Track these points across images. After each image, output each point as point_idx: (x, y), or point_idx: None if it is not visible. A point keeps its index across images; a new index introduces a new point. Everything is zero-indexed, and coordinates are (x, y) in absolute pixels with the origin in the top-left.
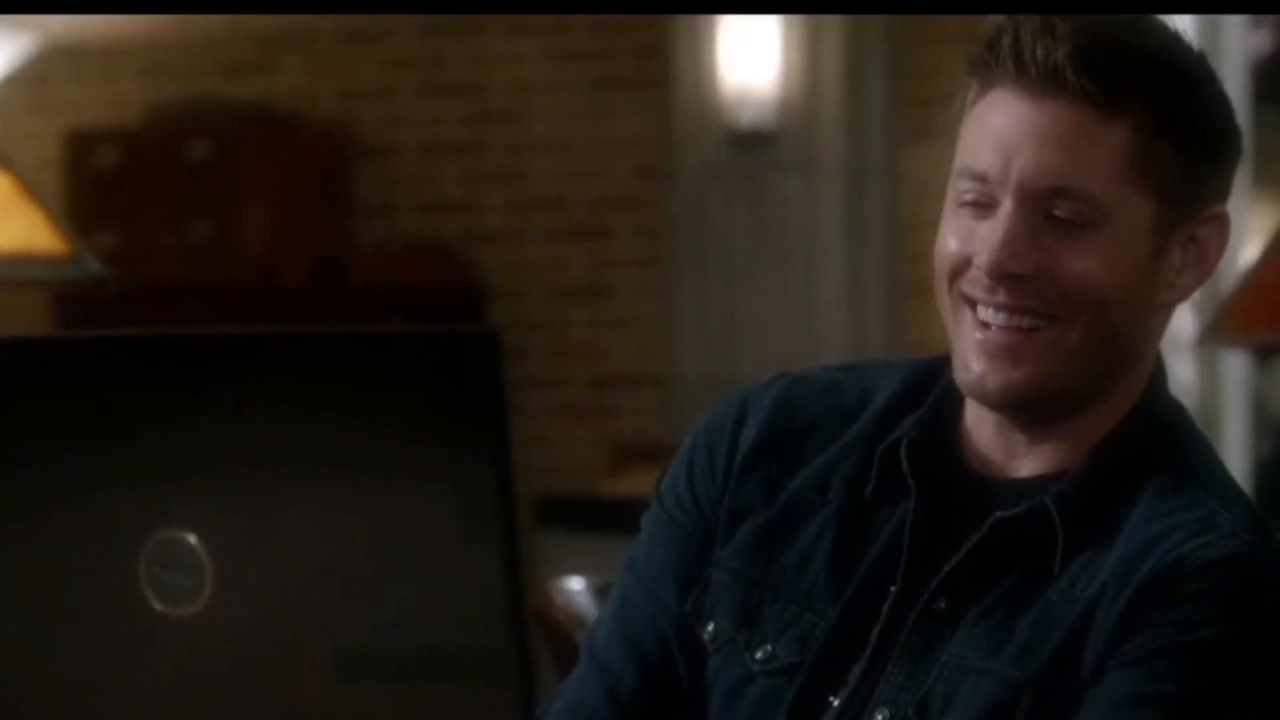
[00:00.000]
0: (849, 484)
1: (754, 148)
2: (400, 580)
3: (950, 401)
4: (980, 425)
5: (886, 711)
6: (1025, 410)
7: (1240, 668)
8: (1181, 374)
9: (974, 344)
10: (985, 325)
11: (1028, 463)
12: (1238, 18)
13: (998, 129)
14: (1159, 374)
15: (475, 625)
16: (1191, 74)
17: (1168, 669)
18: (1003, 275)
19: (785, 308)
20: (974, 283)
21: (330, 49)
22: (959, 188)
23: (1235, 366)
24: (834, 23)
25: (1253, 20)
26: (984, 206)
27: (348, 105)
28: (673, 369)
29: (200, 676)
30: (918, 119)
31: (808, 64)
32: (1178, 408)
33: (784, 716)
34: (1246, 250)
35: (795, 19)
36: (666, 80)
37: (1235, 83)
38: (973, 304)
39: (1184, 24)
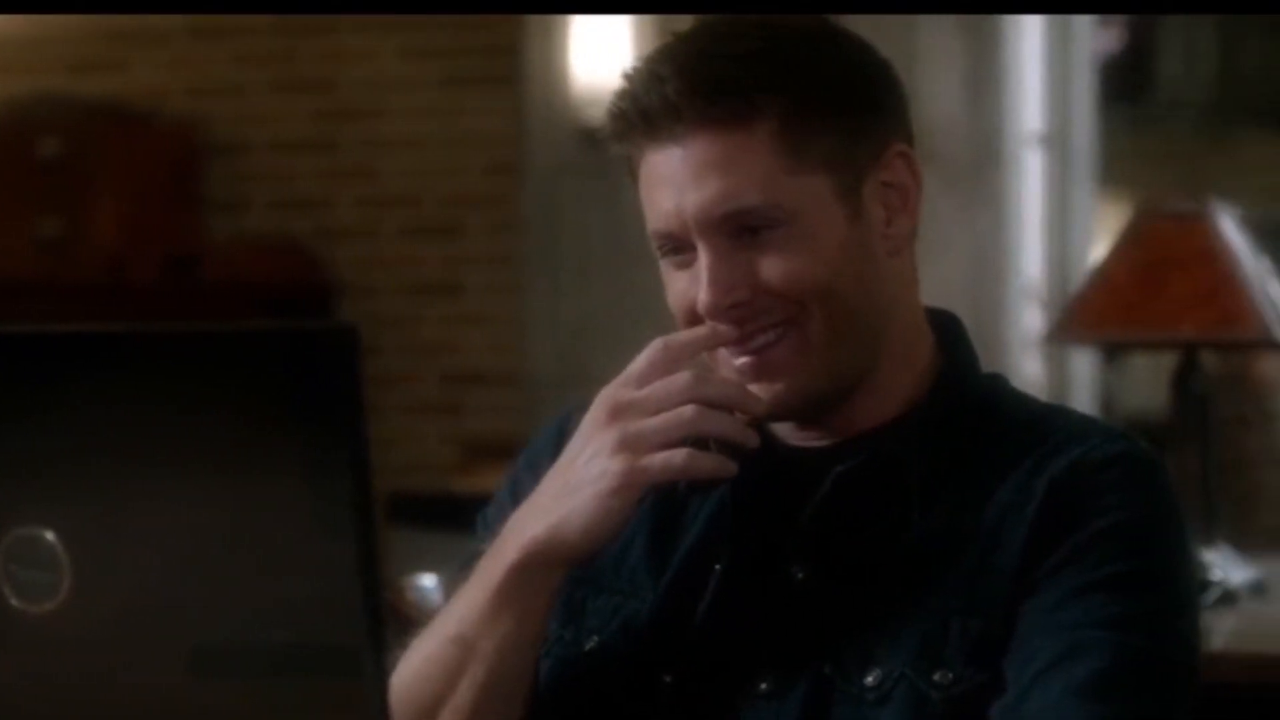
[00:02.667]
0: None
1: (606, 145)
2: (257, 576)
3: None
4: None
5: (771, 679)
6: (809, 410)
7: (1161, 542)
8: (1030, 372)
9: (734, 371)
10: (735, 354)
11: (839, 429)
12: (1086, 16)
13: (660, 185)
14: (949, 324)
15: (332, 621)
16: (807, 46)
17: (1099, 556)
18: (724, 310)
19: (636, 305)
20: (702, 315)
21: (182, 45)
22: (657, 247)
23: (1083, 365)
24: (684, 20)
25: (1101, 19)
26: (684, 253)
27: (199, 102)
28: (525, 366)
29: (57, 673)
30: None
31: None
32: (983, 373)
33: (619, 699)
34: (1096, 249)
35: (647, 16)
36: (519, 78)
37: (1083, 81)
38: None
39: (1033, 24)
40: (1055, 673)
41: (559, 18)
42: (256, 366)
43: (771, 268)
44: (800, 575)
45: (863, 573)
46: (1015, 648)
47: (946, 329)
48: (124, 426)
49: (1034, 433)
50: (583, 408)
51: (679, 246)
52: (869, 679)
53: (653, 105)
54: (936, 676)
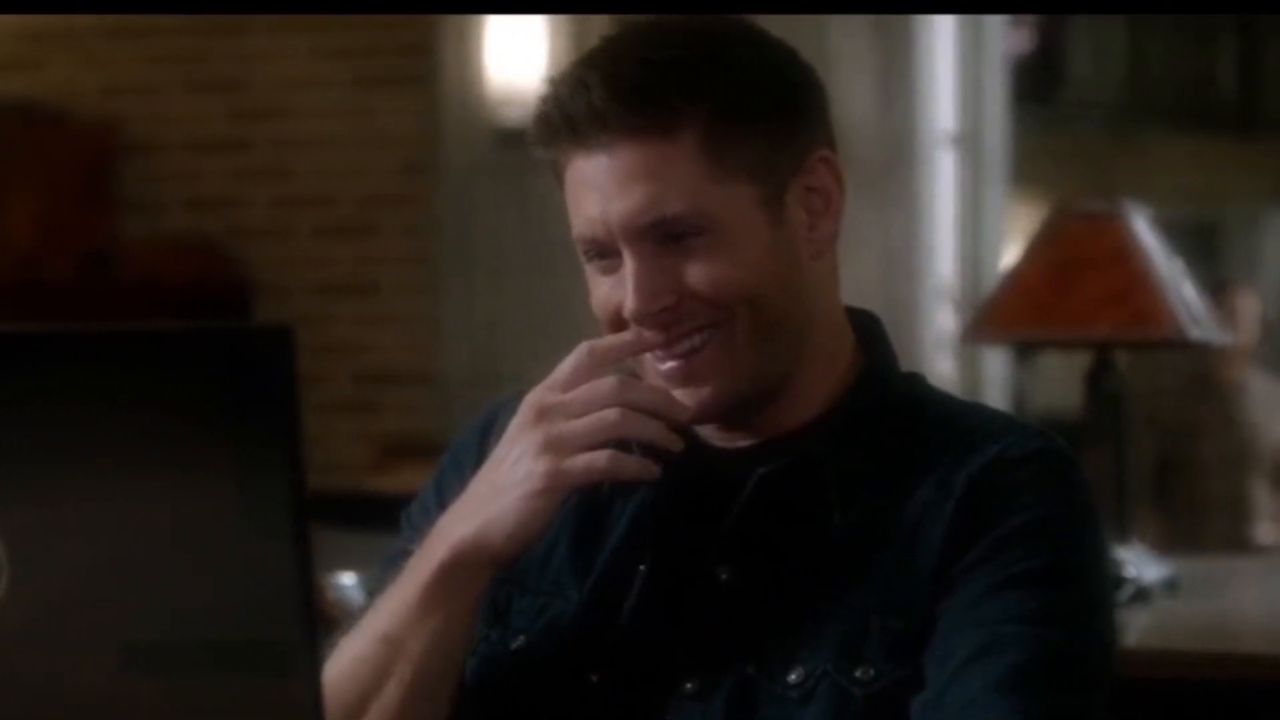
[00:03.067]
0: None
1: (520, 146)
2: (191, 574)
3: None
4: None
5: (696, 680)
6: (733, 413)
7: (1076, 539)
8: (943, 371)
9: (659, 376)
10: (661, 359)
11: (763, 430)
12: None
13: (586, 192)
14: (869, 324)
15: (266, 619)
16: (732, 53)
17: (1016, 553)
18: (650, 316)
19: (551, 305)
20: (628, 319)
21: (95, 45)
22: (582, 253)
23: (995, 364)
24: (600, 21)
25: (1012, 18)
26: (609, 258)
27: (113, 101)
28: (439, 366)
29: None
30: None
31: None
32: (902, 372)
33: (545, 699)
34: (1007, 248)
35: (561, 17)
36: (433, 78)
37: (995, 81)
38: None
39: (945, 24)
40: (974, 667)
41: (473, 18)
42: (192, 366)
43: (697, 273)
44: (724, 576)
45: (786, 573)
46: (935, 644)
47: (867, 329)
48: (60, 425)
49: (953, 431)
50: (505, 406)
51: (604, 252)
52: (792, 677)
53: (578, 112)
54: (858, 673)
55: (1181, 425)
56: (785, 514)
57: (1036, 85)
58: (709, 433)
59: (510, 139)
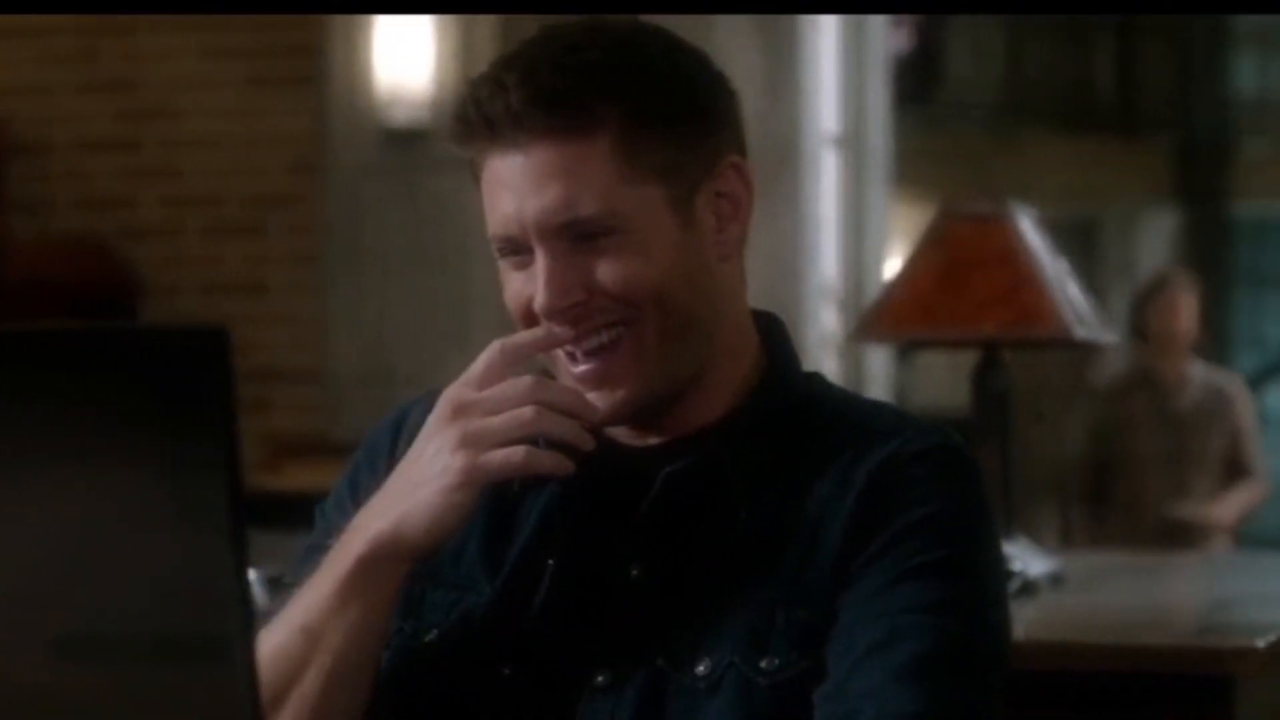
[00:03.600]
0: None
1: (408, 146)
2: (128, 567)
3: None
4: None
5: (607, 673)
6: (643, 414)
7: (973, 533)
8: (827, 370)
9: (572, 378)
10: (574, 357)
11: (671, 429)
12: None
13: (502, 190)
14: (773, 325)
15: (204, 610)
16: (647, 58)
17: (912, 547)
18: (560, 311)
19: (439, 304)
20: (539, 315)
21: None
22: (496, 248)
23: (878, 362)
24: (487, 22)
25: (894, 19)
26: (522, 255)
27: (2, 101)
28: (329, 364)
29: None
30: None
31: (461, 63)
32: (803, 371)
33: (455, 694)
34: (890, 248)
35: (449, 19)
36: (321, 79)
37: (878, 83)
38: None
39: (828, 25)
40: (874, 658)
41: (362, 19)
42: (129, 366)
43: (607, 271)
44: (634, 572)
45: (693, 568)
46: (836, 636)
47: (770, 330)
48: (10, 420)
49: (852, 427)
50: (419, 403)
51: (518, 249)
52: (700, 669)
53: (496, 112)
54: (763, 664)
55: (1120, 421)
56: (692, 511)
57: (916, 86)
58: (617, 431)
59: (398, 139)
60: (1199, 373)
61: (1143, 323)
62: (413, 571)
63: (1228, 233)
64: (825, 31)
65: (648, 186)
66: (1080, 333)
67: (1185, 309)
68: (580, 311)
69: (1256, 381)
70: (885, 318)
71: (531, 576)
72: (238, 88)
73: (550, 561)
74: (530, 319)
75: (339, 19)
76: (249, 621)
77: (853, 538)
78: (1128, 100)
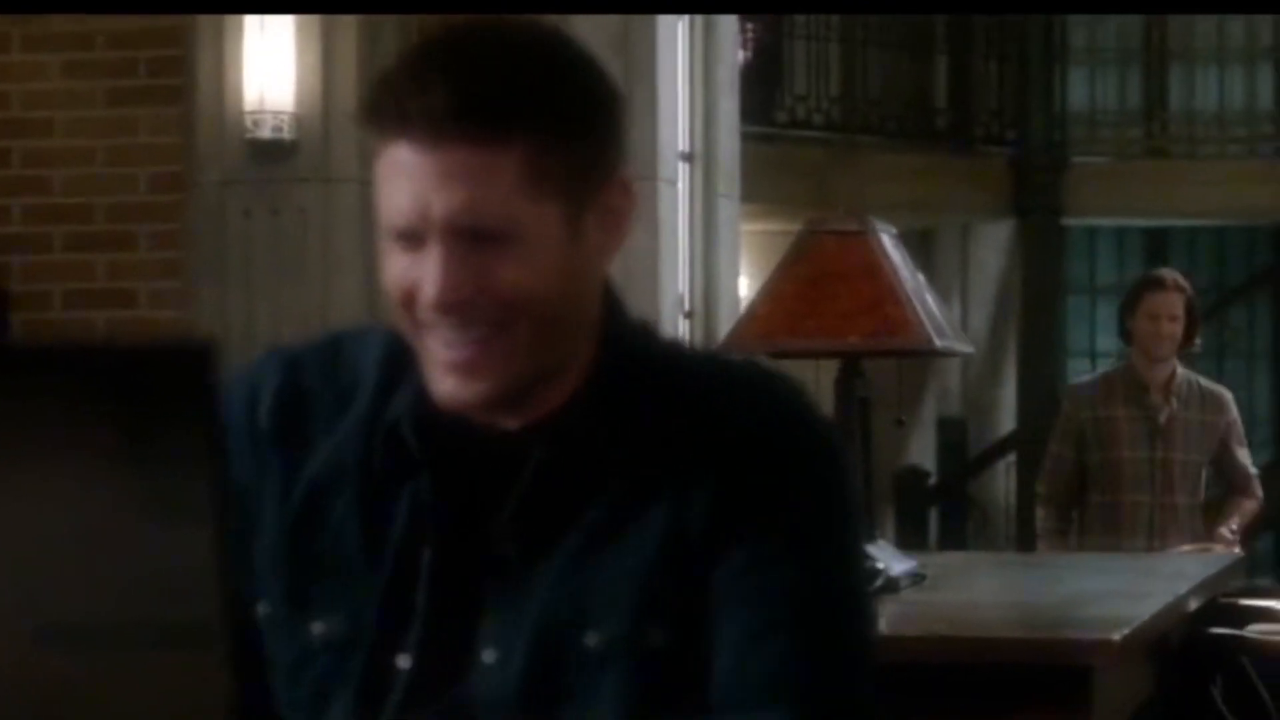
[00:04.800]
0: (361, 466)
1: (273, 158)
2: (114, 561)
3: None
4: None
5: (495, 650)
6: (504, 404)
7: (840, 505)
8: None
9: (439, 362)
10: (445, 344)
11: (530, 412)
12: (732, 32)
13: (404, 180)
14: (612, 299)
15: (185, 600)
16: (563, 76)
17: (783, 522)
18: (447, 306)
19: (303, 314)
20: (425, 310)
21: None
22: (387, 231)
23: None
24: (349, 37)
25: (737, 36)
26: (414, 242)
27: None
28: None
29: None
30: None
31: (323, 78)
32: (642, 326)
33: (353, 686)
34: (738, 262)
35: (311, 34)
36: (187, 92)
37: (730, 103)
38: (428, 326)
39: (681, 46)
40: (756, 645)
41: (229, 34)
42: (121, 376)
43: (497, 275)
44: (512, 553)
45: (572, 546)
46: (719, 610)
47: (606, 303)
48: (9, 426)
49: (708, 394)
50: (264, 368)
51: (410, 235)
52: (588, 641)
53: (415, 108)
54: (650, 636)
55: (1102, 427)
56: (564, 491)
57: (757, 102)
58: (476, 415)
59: (262, 152)
60: (1186, 379)
61: (1127, 325)
62: (292, 562)
63: (1060, 245)
64: (679, 53)
65: (547, 202)
66: (940, 343)
67: (1168, 311)
68: (464, 309)
69: None
70: (753, 330)
71: (411, 567)
72: (104, 102)
73: (426, 551)
74: (409, 303)
75: (206, 34)
76: (230, 609)
77: (721, 511)
78: (963, 115)
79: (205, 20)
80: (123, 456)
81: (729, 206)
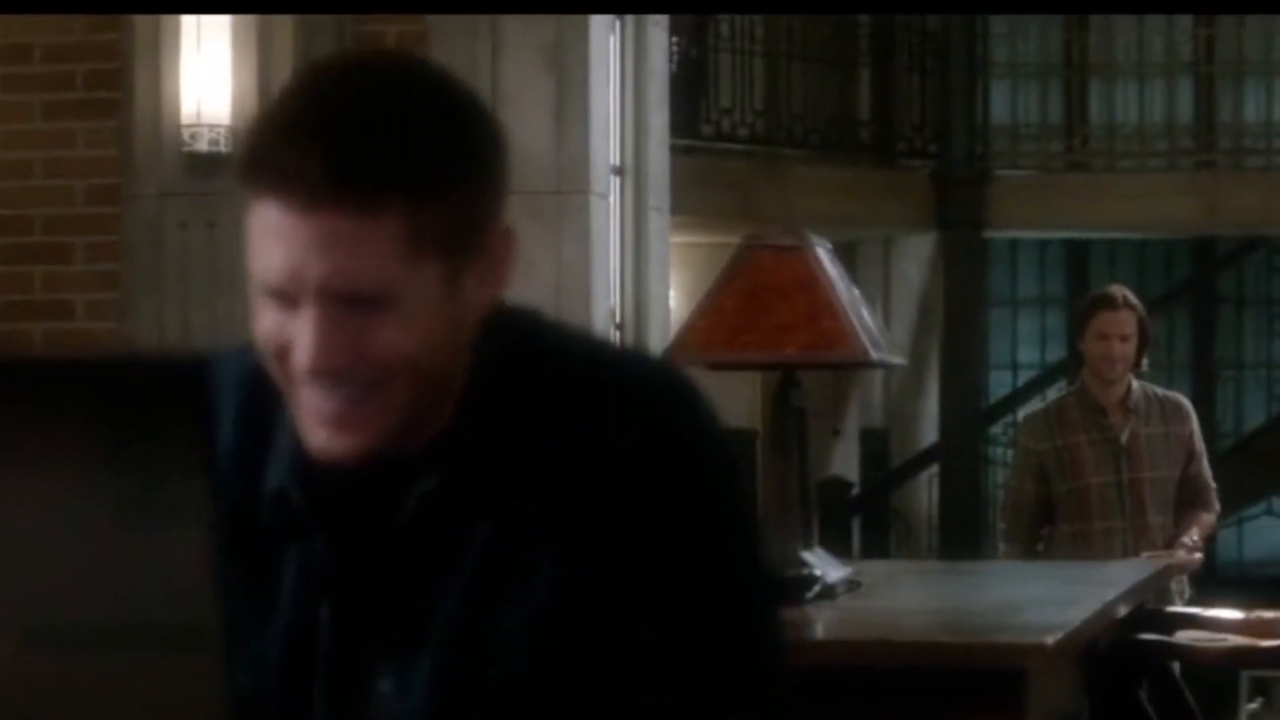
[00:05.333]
0: (234, 521)
1: (209, 171)
2: (109, 565)
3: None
4: None
5: (391, 681)
6: (376, 455)
7: (740, 525)
8: None
9: (312, 415)
10: (318, 400)
11: (406, 443)
12: (662, 46)
13: (277, 239)
14: (493, 317)
15: (177, 602)
16: (439, 133)
17: (683, 545)
18: (320, 371)
19: (239, 324)
20: (298, 369)
21: None
22: (260, 287)
23: None
24: (285, 50)
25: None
26: (287, 301)
27: None
28: None
29: None
30: None
31: (259, 91)
32: (524, 318)
33: None
34: (667, 274)
35: (247, 47)
36: (124, 106)
37: (660, 118)
38: (303, 384)
39: (613, 61)
40: (662, 687)
41: (166, 48)
42: (114, 389)
43: (373, 340)
44: (403, 592)
45: (463, 578)
46: (629, 641)
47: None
48: (8, 434)
49: (589, 414)
50: (228, 366)
51: (283, 296)
52: (491, 678)
53: (290, 169)
54: (547, 663)
55: (1067, 462)
56: (450, 523)
57: (682, 115)
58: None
59: (199, 165)
60: (1142, 391)
61: (1078, 346)
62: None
63: (982, 257)
64: (610, 67)
65: (425, 263)
66: (875, 355)
67: (1118, 330)
68: (339, 372)
69: (1008, 403)
70: (692, 342)
71: (308, 623)
72: (42, 115)
73: (324, 608)
74: (279, 358)
75: (143, 49)
76: (220, 611)
77: (606, 540)
78: (886, 129)
79: (142, 34)
80: (113, 465)
81: (659, 219)
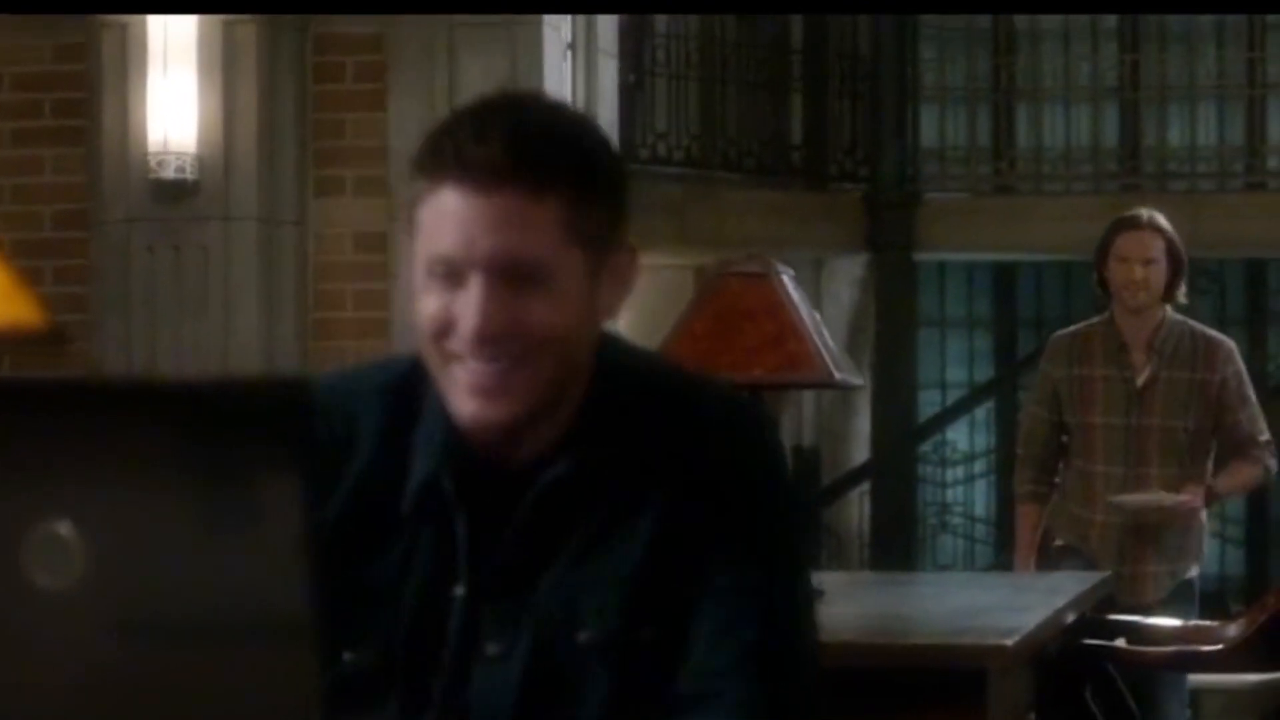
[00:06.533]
0: (383, 509)
1: (175, 197)
2: (216, 566)
3: (444, 412)
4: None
5: (497, 645)
6: (519, 428)
7: (797, 521)
8: None
9: (464, 389)
10: (471, 372)
11: (533, 446)
12: (612, 72)
13: (454, 221)
14: (605, 341)
15: (275, 601)
16: (596, 147)
17: (752, 533)
18: (483, 338)
19: (205, 347)
20: (459, 342)
21: None
22: (430, 267)
23: None
24: (249, 81)
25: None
26: (455, 278)
27: None
28: None
29: (74, 641)
30: (323, 174)
31: (225, 120)
32: (629, 355)
33: (390, 711)
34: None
35: (213, 77)
36: (92, 134)
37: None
38: (459, 358)
39: (564, 91)
40: (723, 640)
41: (133, 77)
42: (227, 406)
43: (530, 313)
44: (516, 566)
45: (567, 554)
46: (695, 608)
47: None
48: (125, 449)
49: (688, 422)
50: (362, 397)
51: (452, 273)
52: (581, 637)
53: (474, 156)
54: (638, 633)
55: (1074, 386)
56: (563, 510)
57: (619, 140)
58: (493, 454)
59: (165, 191)
60: (1178, 330)
61: (1101, 273)
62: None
63: (912, 279)
64: (565, 91)
65: (576, 250)
66: (839, 375)
67: (1140, 253)
68: (499, 340)
69: (938, 421)
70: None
71: (442, 600)
72: (10, 142)
73: (459, 588)
74: (440, 336)
75: (110, 78)
76: (317, 614)
77: (695, 524)
78: (818, 153)
79: (109, 64)
80: (210, 474)
81: None
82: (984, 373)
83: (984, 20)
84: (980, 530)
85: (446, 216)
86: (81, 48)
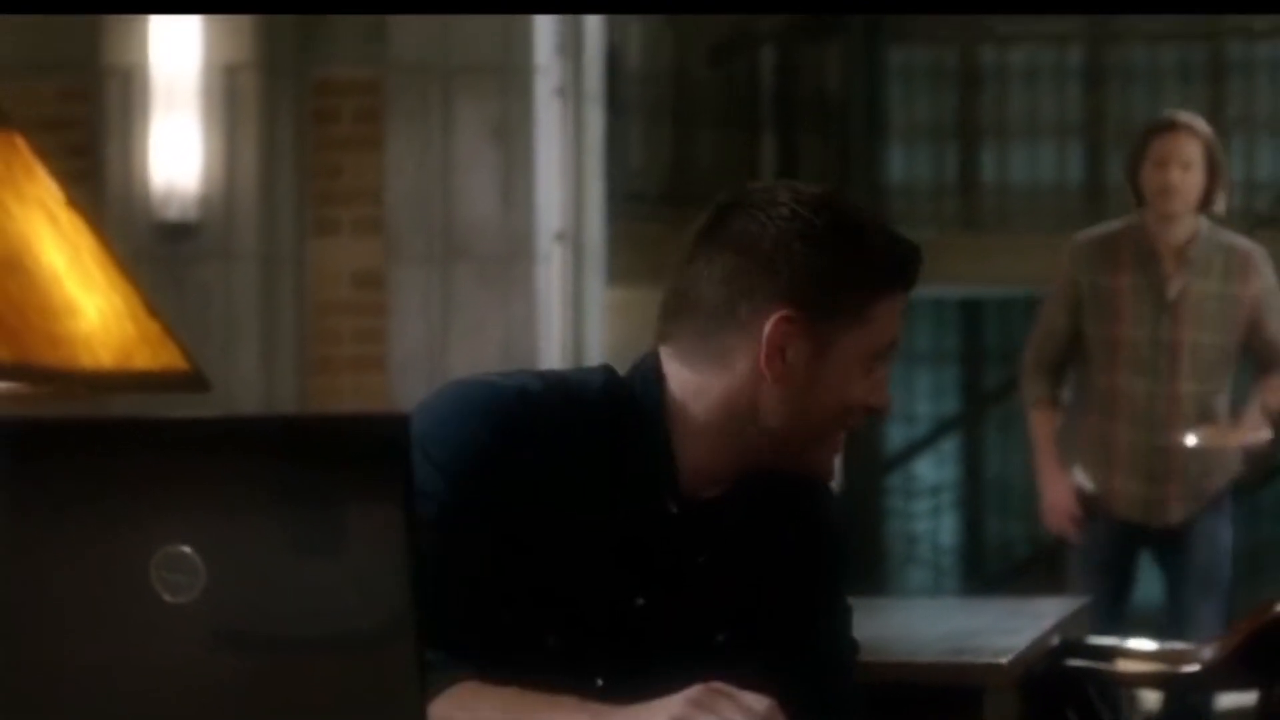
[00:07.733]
0: (593, 515)
1: (179, 238)
2: (332, 581)
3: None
4: (703, 462)
5: (727, 633)
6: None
7: (846, 565)
8: None
9: (832, 450)
10: (841, 438)
11: (720, 485)
12: (599, 118)
13: (895, 316)
14: None
15: (379, 612)
16: None
17: (837, 583)
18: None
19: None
20: (877, 411)
21: None
22: (881, 351)
23: None
24: (251, 127)
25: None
26: (884, 362)
27: None
28: None
29: (192, 645)
30: (322, 214)
31: (227, 163)
32: None
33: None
34: (604, 333)
35: (214, 120)
36: (98, 176)
37: (596, 187)
38: (849, 428)
39: (555, 136)
40: (824, 680)
41: (136, 120)
42: (338, 439)
43: None
44: (701, 560)
45: (705, 571)
46: (806, 635)
47: None
48: (240, 480)
49: (792, 488)
50: (535, 413)
51: (888, 358)
52: (709, 637)
53: (914, 266)
54: (790, 639)
55: (1100, 296)
56: (733, 540)
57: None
58: (689, 490)
59: (169, 233)
60: (1210, 240)
61: (1135, 180)
62: (541, 571)
63: None
64: (553, 141)
65: None
66: None
67: (1179, 157)
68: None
69: (907, 454)
70: None
71: (627, 596)
72: None
73: (640, 599)
74: (853, 413)
75: (114, 121)
76: (416, 625)
77: (809, 575)
78: None
79: (113, 108)
80: (313, 501)
81: (596, 282)
82: (951, 406)
83: (951, 58)
84: (947, 561)
85: (887, 315)
86: (85, 92)
